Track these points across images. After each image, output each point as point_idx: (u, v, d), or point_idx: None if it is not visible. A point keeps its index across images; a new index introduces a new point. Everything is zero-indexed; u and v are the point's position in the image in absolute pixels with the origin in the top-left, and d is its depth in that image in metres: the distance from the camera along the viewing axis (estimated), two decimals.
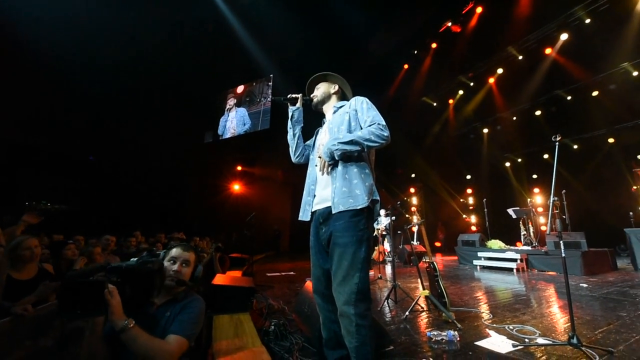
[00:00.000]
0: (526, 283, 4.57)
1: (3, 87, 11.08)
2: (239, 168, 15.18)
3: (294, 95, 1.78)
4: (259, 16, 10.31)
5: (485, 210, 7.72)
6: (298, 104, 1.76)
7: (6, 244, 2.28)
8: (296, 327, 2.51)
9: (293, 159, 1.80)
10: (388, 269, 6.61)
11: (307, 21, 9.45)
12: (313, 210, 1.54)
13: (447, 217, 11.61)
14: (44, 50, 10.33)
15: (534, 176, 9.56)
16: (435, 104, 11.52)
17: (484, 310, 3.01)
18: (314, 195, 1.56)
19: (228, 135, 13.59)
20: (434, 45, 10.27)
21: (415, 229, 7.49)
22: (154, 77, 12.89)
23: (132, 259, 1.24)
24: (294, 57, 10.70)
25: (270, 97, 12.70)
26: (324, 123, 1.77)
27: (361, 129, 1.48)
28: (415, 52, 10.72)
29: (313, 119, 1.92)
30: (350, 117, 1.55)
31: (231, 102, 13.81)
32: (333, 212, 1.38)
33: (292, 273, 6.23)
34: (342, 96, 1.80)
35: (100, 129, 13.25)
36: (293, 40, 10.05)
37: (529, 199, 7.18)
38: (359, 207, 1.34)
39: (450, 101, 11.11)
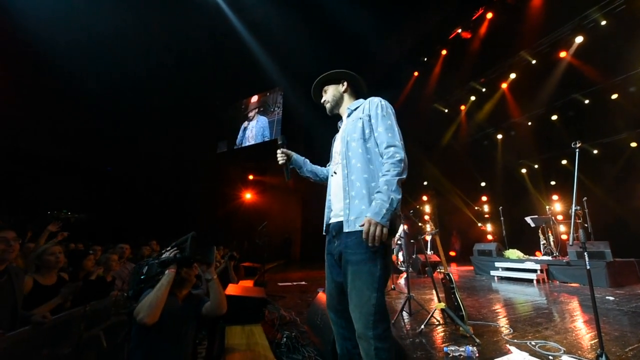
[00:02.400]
0: (547, 295, 4.37)
1: (27, 103, 11.71)
2: (251, 177, 15.36)
3: (285, 145, 1.68)
4: (269, 27, 10.56)
5: (502, 218, 7.49)
6: (286, 158, 1.66)
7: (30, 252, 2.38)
8: (308, 340, 2.47)
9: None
10: (400, 279, 6.46)
11: (316, 30, 9.62)
12: (329, 222, 1.47)
13: (461, 226, 11.32)
14: (64, 67, 10.88)
15: (552, 183, 9.24)
16: (446, 111, 11.40)
17: (504, 324, 2.89)
18: (330, 208, 1.50)
19: (247, 143, 13.79)
20: (444, 52, 10.22)
21: (428, 238, 7.33)
22: (169, 90, 13.34)
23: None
24: (303, 66, 10.88)
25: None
26: (339, 127, 1.65)
27: (374, 136, 1.36)
28: (425, 59, 10.70)
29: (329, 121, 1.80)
30: (363, 124, 1.40)
31: (252, 112, 14.05)
32: (346, 230, 1.30)
33: (303, 283, 6.17)
34: (356, 92, 1.63)
35: (117, 141, 13.74)
36: (302, 49, 10.23)
37: (547, 207, 6.92)
38: None
39: (462, 107, 10.97)
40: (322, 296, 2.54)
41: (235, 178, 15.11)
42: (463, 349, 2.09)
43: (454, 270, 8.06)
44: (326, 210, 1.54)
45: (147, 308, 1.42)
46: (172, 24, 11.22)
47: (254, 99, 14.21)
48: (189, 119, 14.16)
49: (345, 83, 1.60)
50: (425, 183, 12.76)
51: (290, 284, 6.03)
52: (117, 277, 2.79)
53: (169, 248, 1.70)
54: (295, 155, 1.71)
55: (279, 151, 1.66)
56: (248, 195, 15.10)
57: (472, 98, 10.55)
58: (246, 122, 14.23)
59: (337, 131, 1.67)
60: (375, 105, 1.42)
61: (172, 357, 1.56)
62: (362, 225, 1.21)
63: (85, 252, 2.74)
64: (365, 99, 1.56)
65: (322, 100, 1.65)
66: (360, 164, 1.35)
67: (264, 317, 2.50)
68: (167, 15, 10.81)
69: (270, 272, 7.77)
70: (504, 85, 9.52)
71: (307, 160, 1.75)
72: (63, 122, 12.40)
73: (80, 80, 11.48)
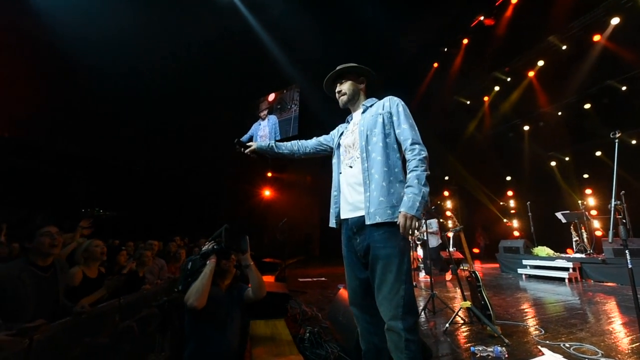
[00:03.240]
0: (581, 295, 4.14)
1: (60, 106, 12.48)
2: (269, 174, 15.59)
3: (244, 143, 1.82)
4: (284, 23, 10.59)
5: (530, 214, 7.15)
6: (250, 149, 1.78)
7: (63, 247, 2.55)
8: (331, 336, 2.48)
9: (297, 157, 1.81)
10: (422, 275, 6.34)
11: (331, 23, 9.52)
12: (343, 217, 1.48)
13: (485, 222, 10.93)
14: (94, 72, 11.50)
15: (585, 176, 8.69)
16: (468, 102, 10.97)
17: (534, 324, 2.77)
18: (340, 202, 1.51)
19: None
20: (465, 41, 9.82)
21: (451, 234, 7.14)
22: (191, 90, 13.77)
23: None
24: (318, 61, 10.85)
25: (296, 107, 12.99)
26: (348, 121, 1.67)
27: (394, 132, 1.41)
28: (446, 49, 10.33)
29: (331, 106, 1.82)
30: (384, 120, 1.44)
31: (263, 112, 14.26)
32: (367, 222, 1.31)
33: (323, 279, 6.21)
34: (371, 91, 1.67)
35: (143, 140, 14.37)
36: (317, 43, 10.17)
37: (580, 201, 6.53)
38: (395, 220, 1.27)
39: (486, 98, 10.52)
40: (343, 293, 2.54)
41: (255, 176, 15.40)
42: (491, 349, 2.03)
43: (478, 268, 7.82)
44: (334, 204, 1.55)
45: (194, 294, 1.59)
46: (192, 26, 11.53)
47: (271, 97, 14.36)
48: (211, 119, 14.56)
49: (364, 80, 1.63)
50: (446, 178, 12.41)
51: (310, 279, 6.09)
52: (148, 272, 2.93)
53: (207, 242, 1.87)
54: (257, 146, 1.80)
55: (246, 152, 1.80)
56: (267, 193, 15.35)
57: (496, 88, 10.09)
58: (259, 122, 14.45)
59: (343, 122, 1.71)
60: (396, 104, 1.47)
61: (222, 344, 1.66)
62: (387, 220, 1.26)
63: (119, 248, 2.90)
64: (378, 98, 1.60)
65: (336, 90, 1.64)
66: (381, 157, 1.37)
67: (287, 312, 2.54)
68: (188, 16, 11.11)
69: (291, 268, 7.87)
70: (531, 74, 9.01)
71: (274, 143, 1.81)
72: (94, 123, 13.14)
73: (110, 84, 12.10)
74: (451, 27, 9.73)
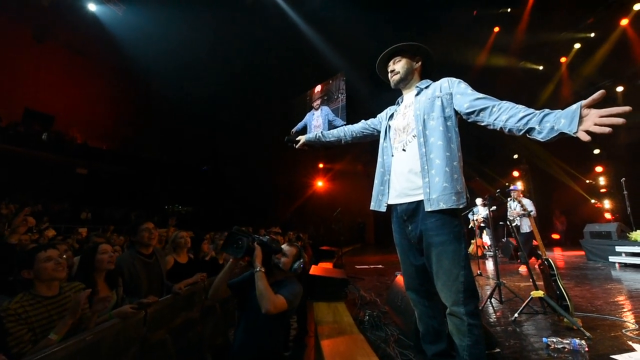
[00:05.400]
0: None
1: (143, 122, 14.60)
2: (321, 165, 15.94)
3: (294, 138, 1.88)
4: (326, 12, 10.49)
5: (625, 192, 6.04)
6: (300, 143, 1.84)
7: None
8: (390, 320, 2.56)
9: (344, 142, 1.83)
10: (488, 264, 5.92)
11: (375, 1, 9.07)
12: (391, 203, 1.46)
13: (566, 204, 9.55)
14: (168, 88, 13.22)
15: None
16: (540, 68, 9.56)
17: (628, 319, 2.44)
18: (389, 186, 1.48)
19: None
20: None
21: (518, 220, 6.46)
22: (245, 93, 14.79)
23: (264, 237, 1.84)
24: (363, 45, 10.56)
25: (343, 94, 12.89)
26: (399, 103, 1.62)
27: (455, 115, 1.34)
28: (509, 9, 9.10)
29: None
30: (443, 103, 1.36)
31: (316, 102, 14.49)
32: (428, 209, 1.27)
33: (380, 266, 6.25)
34: (425, 72, 1.57)
35: (209, 144, 16.01)
36: (361, 26, 9.81)
37: None
38: (460, 207, 1.26)
39: (563, 60, 9.02)
40: (400, 279, 2.58)
41: (308, 168, 15.91)
42: (568, 341, 1.88)
43: (559, 256, 6.95)
44: (380, 189, 1.53)
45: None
46: (241, 34, 12.28)
47: (318, 88, 14.51)
48: (264, 117, 15.45)
49: (419, 59, 1.55)
50: (515, 157, 11.10)
51: (367, 267, 6.19)
52: (225, 259, 3.38)
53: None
54: (306, 138, 1.86)
55: (297, 146, 1.87)
56: (320, 183, 15.76)
57: (576, 46, 8.57)
58: (312, 113, 14.68)
59: (393, 103, 1.66)
60: (456, 83, 1.39)
61: (265, 330, 1.71)
62: (452, 206, 1.24)
63: (202, 238, 3.39)
64: (433, 80, 1.52)
65: (389, 69, 1.56)
66: (442, 142, 1.32)
67: (347, 296, 2.69)
68: (237, 25, 11.83)
69: (347, 255, 8.08)
70: (624, 22, 7.42)
71: (322, 132, 1.86)
72: (169, 133, 15.09)
73: (180, 97, 13.75)
74: None
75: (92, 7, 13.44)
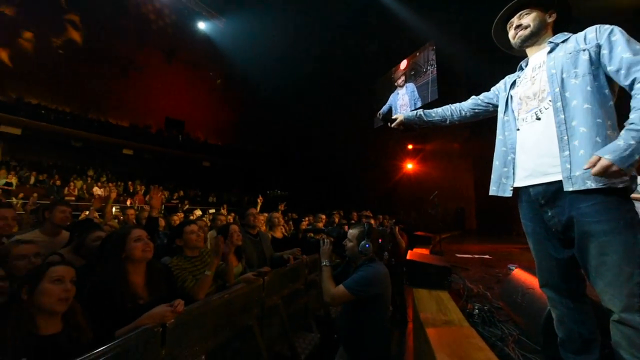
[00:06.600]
0: None
1: (247, 119, 16.79)
2: (410, 147, 15.00)
3: (389, 116, 1.67)
4: None
5: None
6: (396, 122, 1.63)
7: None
8: (506, 317, 2.25)
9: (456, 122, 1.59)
10: None
11: None
12: (520, 185, 1.23)
13: None
14: (262, 84, 14.74)
15: None
16: None
17: None
18: (514, 166, 1.25)
19: (401, 112, 13.74)
20: None
21: None
22: (328, 83, 15.14)
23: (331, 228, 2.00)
24: (458, 6, 9.13)
25: (432, 67, 11.59)
26: (522, 68, 1.35)
27: (606, 72, 1.04)
28: None
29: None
30: (591, 56, 1.08)
31: (400, 80, 13.64)
32: (570, 189, 1.04)
33: (487, 256, 5.55)
34: (559, 29, 1.28)
35: (297, 133, 17.23)
36: None
37: None
38: (620, 186, 0.96)
39: None
40: (519, 273, 2.23)
41: (395, 150, 15.25)
42: None
43: None
44: (502, 171, 1.30)
45: (324, 296, 1.77)
46: (320, 22, 12.46)
47: (403, 64, 13.47)
48: (349, 104, 15.54)
49: (553, 13, 1.25)
50: None
51: (470, 256, 5.59)
52: (321, 239, 3.62)
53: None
54: (405, 117, 1.64)
55: (393, 125, 1.66)
56: (410, 166, 14.90)
57: None
58: (396, 92, 13.81)
59: (512, 71, 1.39)
60: (608, 31, 1.07)
61: (348, 315, 1.75)
62: (604, 185, 0.97)
63: (300, 219, 3.70)
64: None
65: (515, 24, 1.30)
66: (589, 104, 1.04)
67: (450, 285, 2.49)
68: (317, 13, 12.04)
69: (444, 243, 7.48)
70: None
71: (423, 111, 1.63)
72: (267, 127, 16.94)
73: (272, 92, 15.20)
74: None
75: (201, 25, 16.04)
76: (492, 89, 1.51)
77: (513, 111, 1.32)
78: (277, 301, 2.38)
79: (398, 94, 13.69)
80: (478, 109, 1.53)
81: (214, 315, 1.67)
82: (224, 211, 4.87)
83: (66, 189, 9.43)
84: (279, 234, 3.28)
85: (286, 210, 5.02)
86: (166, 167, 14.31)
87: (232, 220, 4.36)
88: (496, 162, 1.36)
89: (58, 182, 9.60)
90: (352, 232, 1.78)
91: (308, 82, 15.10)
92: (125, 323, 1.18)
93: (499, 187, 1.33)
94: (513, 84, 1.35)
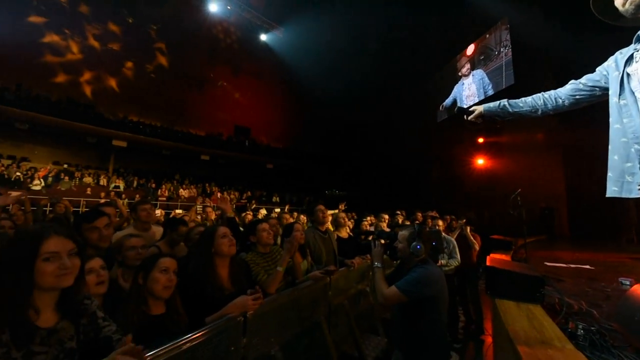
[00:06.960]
0: None
1: (305, 122, 17.46)
2: (480, 140, 13.50)
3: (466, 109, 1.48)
4: None
5: None
6: (474, 115, 1.48)
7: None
8: (622, 342, 1.83)
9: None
10: None
11: None
12: None
13: None
14: (317, 88, 15.10)
15: None
16: None
17: None
18: (638, 160, 1.03)
19: (467, 103, 12.25)
20: None
21: None
22: (388, 81, 14.68)
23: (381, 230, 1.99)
24: None
25: (505, 50, 10.17)
26: (638, 40, 1.10)
27: None
28: None
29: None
30: None
31: (465, 68, 12.42)
32: None
33: (588, 267, 4.64)
34: None
35: (354, 135, 17.18)
36: None
37: None
38: None
39: None
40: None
41: (463, 144, 13.95)
42: None
43: None
44: (626, 167, 1.07)
45: (378, 296, 1.74)
46: (376, 18, 12.12)
47: (470, 50, 12.15)
48: (409, 101, 14.83)
49: None
50: None
51: (565, 265, 4.75)
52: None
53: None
54: (485, 109, 1.45)
55: (470, 118, 1.50)
56: (480, 161, 13.43)
57: None
58: (460, 83, 12.55)
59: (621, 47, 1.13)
60: None
61: (401, 318, 1.72)
62: None
63: (361, 219, 3.65)
64: None
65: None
66: None
67: (543, 299, 2.13)
68: (371, 10, 11.76)
69: (528, 248, 6.52)
70: None
71: (507, 102, 1.43)
72: (325, 125, 17.29)
73: (329, 93, 15.45)
74: None
75: (263, 37, 17.22)
76: (598, 69, 1.24)
77: (633, 92, 1.07)
78: (343, 300, 2.38)
79: (463, 84, 12.45)
80: (580, 95, 1.27)
81: (286, 310, 1.76)
82: (287, 210, 5.11)
83: (159, 190, 11.15)
84: (344, 234, 3.26)
85: (346, 210, 5.01)
86: (236, 170, 15.73)
87: (295, 219, 4.54)
88: (615, 157, 1.13)
89: (153, 185, 11.41)
90: (403, 233, 1.75)
91: (365, 81, 14.89)
92: (213, 311, 1.31)
93: (622, 186, 1.10)
94: (629, 59, 1.10)
